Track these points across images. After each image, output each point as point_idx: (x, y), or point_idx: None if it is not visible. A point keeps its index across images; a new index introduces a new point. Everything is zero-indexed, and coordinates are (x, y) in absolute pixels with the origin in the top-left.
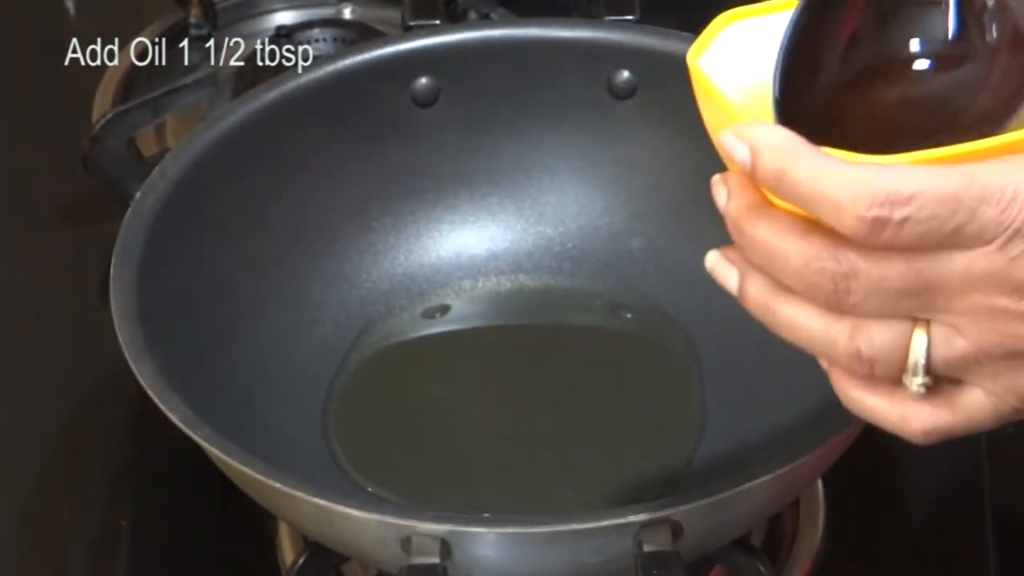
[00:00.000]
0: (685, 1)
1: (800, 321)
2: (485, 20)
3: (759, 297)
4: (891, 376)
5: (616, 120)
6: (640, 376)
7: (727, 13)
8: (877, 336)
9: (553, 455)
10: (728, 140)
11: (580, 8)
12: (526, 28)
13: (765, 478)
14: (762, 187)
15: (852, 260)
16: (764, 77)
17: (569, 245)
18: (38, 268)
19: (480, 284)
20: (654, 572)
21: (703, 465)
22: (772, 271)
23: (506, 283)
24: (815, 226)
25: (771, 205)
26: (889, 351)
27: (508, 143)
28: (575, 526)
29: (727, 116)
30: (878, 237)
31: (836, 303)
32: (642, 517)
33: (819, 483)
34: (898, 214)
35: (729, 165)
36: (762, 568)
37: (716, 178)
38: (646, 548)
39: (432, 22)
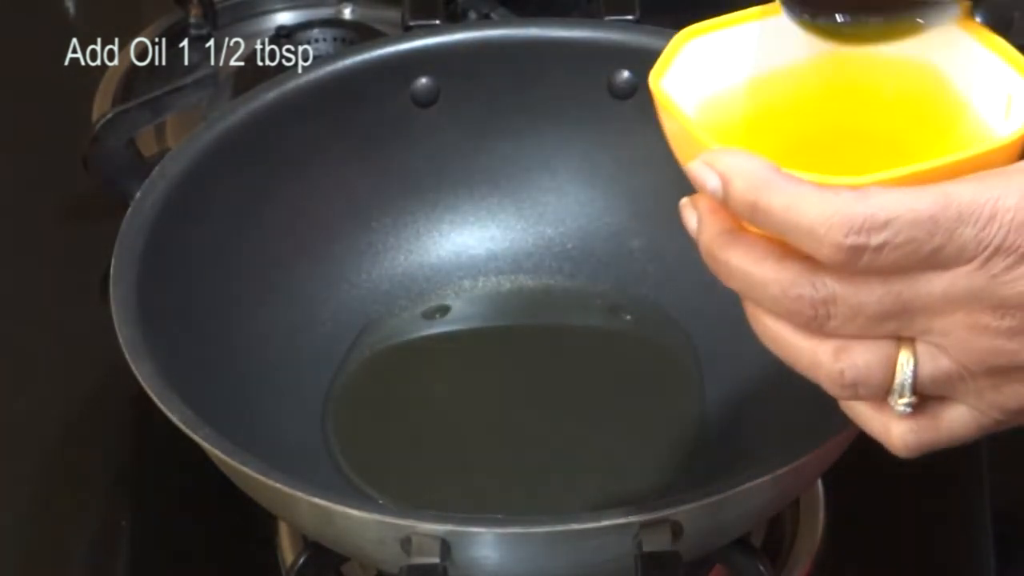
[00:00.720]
0: (685, 1)
1: (787, 339)
2: (485, 20)
3: (753, 310)
4: (875, 397)
5: (616, 120)
6: (640, 376)
7: (686, 30)
8: (860, 358)
9: (553, 455)
10: (698, 169)
11: (580, 8)
12: (526, 28)
13: (765, 478)
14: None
15: (830, 286)
16: (729, 91)
17: (569, 245)
18: (38, 268)
19: (480, 284)
20: (654, 572)
21: (703, 465)
22: (750, 297)
23: (506, 283)
24: (790, 251)
25: (744, 230)
26: (872, 373)
27: (508, 143)
28: (575, 526)
29: (694, 141)
30: (856, 263)
31: (817, 328)
32: (642, 517)
33: (819, 483)
34: (875, 240)
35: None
36: (762, 568)
37: (684, 201)
38: (646, 548)
39: (432, 22)
